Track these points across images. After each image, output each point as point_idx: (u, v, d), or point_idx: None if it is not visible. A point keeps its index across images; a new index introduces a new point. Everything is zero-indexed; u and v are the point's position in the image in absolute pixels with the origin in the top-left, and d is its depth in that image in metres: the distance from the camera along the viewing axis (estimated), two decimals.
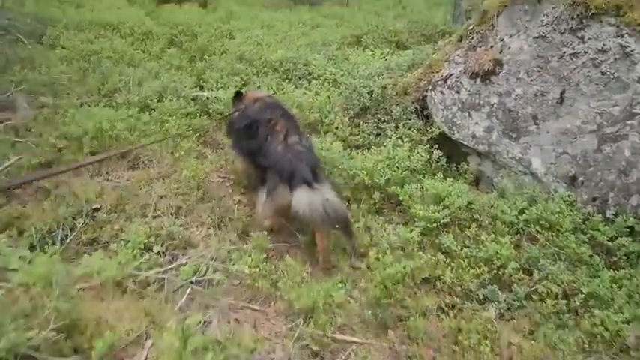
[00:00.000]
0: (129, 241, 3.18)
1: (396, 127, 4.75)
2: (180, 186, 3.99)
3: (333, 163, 3.91)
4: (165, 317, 2.34)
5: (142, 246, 3.23)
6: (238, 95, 4.29)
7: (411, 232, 3.32)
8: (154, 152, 4.33)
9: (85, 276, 2.36)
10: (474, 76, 4.12)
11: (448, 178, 4.20)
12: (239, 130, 3.91)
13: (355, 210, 3.82)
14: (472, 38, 4.32)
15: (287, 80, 6.28)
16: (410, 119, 4.82)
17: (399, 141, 4.38)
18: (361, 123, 4.96)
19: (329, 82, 6.06)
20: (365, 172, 3.82)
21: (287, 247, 3.70)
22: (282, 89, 5.76)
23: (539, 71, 3.76)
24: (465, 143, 4.33)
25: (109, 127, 4.00)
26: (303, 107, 5.13)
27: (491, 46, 4.14)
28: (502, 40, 4.04)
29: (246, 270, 3.00)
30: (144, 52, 6.98)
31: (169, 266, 3.12)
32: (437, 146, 4.48)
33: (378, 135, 4.86)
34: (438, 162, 4.39)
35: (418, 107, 4.93)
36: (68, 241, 3.23)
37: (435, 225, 3.48)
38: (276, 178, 3.39)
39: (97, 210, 3.55)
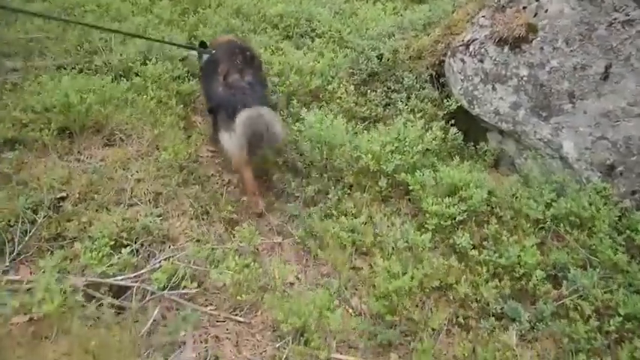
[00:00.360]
0: (97, 239, 2.77)
1: (408, 98, 4.19)
2: (160, 167, 3.54)
3: (333, 142, 3.40)
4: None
5: (113, 243, 2.83)
6: (203, 45, 4.16)
7: (421, 234, 2.86)
8: (134, 126, 3.83)
9: (25, 306, 1.96)
10: (501, 43, 3.51)
11: (465, 161, 3.70)
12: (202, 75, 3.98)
13: (358, 198, 3.35)
14: None
15: (288, 38, 5.65)
16: (423, 88, 4.25)
17: (411, 115, 3.83)
18: (368, 91, 4.40)
19: (334, 42, 5.42)
20: (370, 156, 3.32)
21: (279, 241, 3.28)
22: (282, 50, 5.14)
23: (581, 40, 3.15)
24: (486, 120, 3.79)
25: (78, 100, 3.48)
26: (304, 72, 4.55)
27: (524, 7, 3.50)
28: (537, 0, 3.40)
29: (228, 280, 2.58)
30: (132, 4, 6.32)
31: (141, 271, 2.71)
32: (453, 121, 3.95)
33: (387, 105, 4.31)
34: (454, 140, 3.86)
35: (433, 74, 4.34)
36: (27, 238, 2.83)
37: (449, 222, 3.01)
38: (223, 116, 3.35)
39: (62, 199, 3.12)
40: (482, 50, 3.65)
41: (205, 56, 4.03)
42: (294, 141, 3.60)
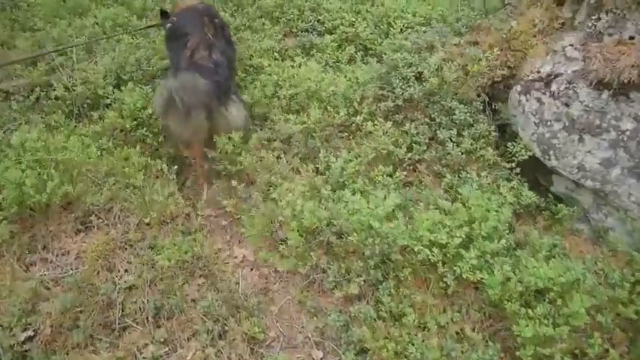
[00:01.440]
0: None
1: (459, 135, 3.36)
2: (156, 261, 2.69)
3: (389, 234, 2.59)
4: None
5: None
6: (164, 14, 3.76)
7: None
8: (114, 195, 2.93)
9: None
10: (599, 86, 2.67)
11: (540, 230, 3.00)
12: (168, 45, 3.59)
13: (419, 300, 2.61)
14: (596, 19, 2.77)
15: (292, 35, 4.63)
16: (477, 121, 3.41)
17: (473, 172, 3.05)
18: (405, 121, 3.52)
19: (348, 40, 4.47)
20: (437, 249, 2.54)
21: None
22: (289, 58, 4.17)
23: None
24: (564, 174, 3.02)
25: (35, 187, 2.54)
26: (323, 98, 3.64)
27: (631, 37, 2.64)
28: None
29: None
30: None
31: None
32: (519, 169, 3.17)
33: (431, 140, 3.47)
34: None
35: (487, 100, 3.50)
36: None
37: (548, 350, 2.31)
38: None
39: (30, 339, 2.29)
40: (570, 92, 2.80)
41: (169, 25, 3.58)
42: (329, 218, 2.77)
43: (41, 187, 2.53)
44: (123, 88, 3.60)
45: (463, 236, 2.56)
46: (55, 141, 2.83)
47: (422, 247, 2.54)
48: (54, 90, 3.59)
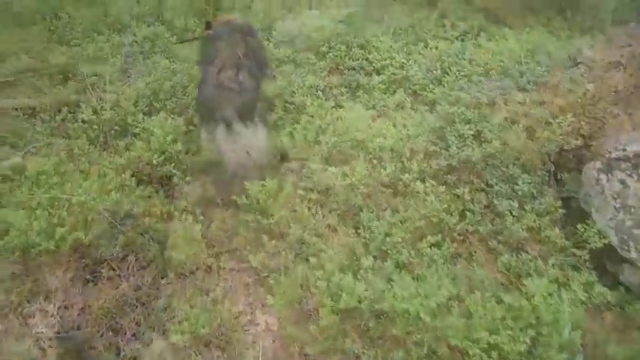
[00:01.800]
0: None
1: (521, 207, 2.97)
2: (167, 318, 2.36)
3: (440, 330, 2.21)
4: None
5: None
6: (208, 25, 3.55)
7: None
8: (130, 245, 2.61)
9: None
10: None
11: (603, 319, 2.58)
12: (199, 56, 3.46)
13: None
14: None
15: (338, 72, 4.34)
16: (542, 193, 3.03)
17: (533, 250, 2.66)
18: (458, 184, 3.15)
19: (397, 83, 4.15)
20: (496, 354, 2.14)
21: None
22: (333, 97, 3.88)
23: None
24: None
25: (44, 231, 2.25)
26: (369, 149, 3.30)
27: None
28: None
29: None
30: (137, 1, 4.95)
31: None
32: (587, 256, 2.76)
33: (486, 208, 3.09)
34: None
35: (552, 169, 3.11)
36: None
37: None
38: (204, 115, 3.20)
39: None
40: None
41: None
42: (370, 298, 2.40)
43: (50, 233, 2.23)
44: (154, 117, 3.35)
45: (527, 341, 2.16)
46: (72, 176, 2.54)
47: (478, 351, 2.15)
48: (82, 112, 3.36)
